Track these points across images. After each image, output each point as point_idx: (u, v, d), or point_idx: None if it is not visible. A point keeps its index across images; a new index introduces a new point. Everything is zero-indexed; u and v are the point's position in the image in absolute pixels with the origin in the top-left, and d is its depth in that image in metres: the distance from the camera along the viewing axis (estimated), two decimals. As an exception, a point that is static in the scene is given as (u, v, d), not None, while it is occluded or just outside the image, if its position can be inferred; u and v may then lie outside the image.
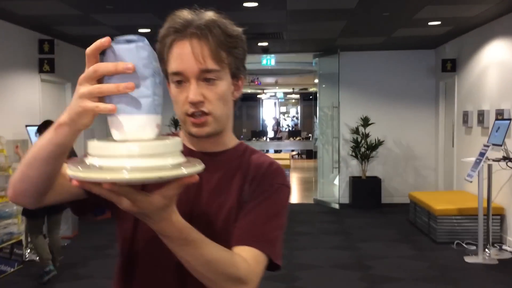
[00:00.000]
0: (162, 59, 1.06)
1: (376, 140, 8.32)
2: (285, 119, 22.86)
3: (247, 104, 20.51)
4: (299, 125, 21.65)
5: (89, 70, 0.79)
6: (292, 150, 17.07)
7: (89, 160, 0.80)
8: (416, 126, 8.68)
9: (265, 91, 20.03)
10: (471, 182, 5.41)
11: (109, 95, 0.80)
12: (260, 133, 16.81)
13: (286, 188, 1.14)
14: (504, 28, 5.99)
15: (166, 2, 5.07)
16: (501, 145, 5.28)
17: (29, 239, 5.61)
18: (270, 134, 19.98)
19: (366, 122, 8.32)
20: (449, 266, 5.14)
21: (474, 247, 5.55)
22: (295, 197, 9.69)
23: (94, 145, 0.80)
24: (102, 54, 0.83)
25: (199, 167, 0.81)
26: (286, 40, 7.60)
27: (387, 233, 6.61)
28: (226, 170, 1.14)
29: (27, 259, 5.44)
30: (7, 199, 5.30)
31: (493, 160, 5.36)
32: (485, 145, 5.36)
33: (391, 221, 7.35)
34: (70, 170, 0.76)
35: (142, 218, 0.84)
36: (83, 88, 0.79)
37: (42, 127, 4.81)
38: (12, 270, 5.07)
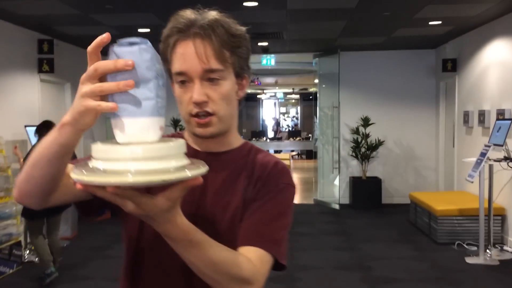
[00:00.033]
0: (166, 59, 1.05)
1: (377, 140, 8.30)
2: (285, 119, 22.84)
3: (247, 104, 20.50)
4: (299, 125, 21.63)
5: (90, 69, 0.79)
6: (292, 151, 17.05)
7: (92, 163, 0.80)
8: (417, 126, 8.66)
9: (265, 91, 20.01)
10: (472, 182, 5.39)
11: (111, 93, 0.80)
12: (260, 133, 16.79)
13: (291, 188, 1.14)
14: (505, 27, 5.97)
15: (166, 2, 5.05)
16: (502, 145, 5.25)
17: (28, 240, 5.59)
18: (270, 134, 19.97)
19: (366, 122, 8.30)
20: (450, 267, 5.12)
21: (475, 248, 5.53)
22: (295, 198, 9.65)
23: (98, 148, 0.80)
24: (105, 55, 0.82)
25: (203, 169, 0.81)
26: (286, 40, 7.59)
27: (387, 234, 6.59)
28: (231, 170, 1.13)
29: (26, 260, 5.42)
30: (6, 199, 5.28)
31: (494, 160, 5.34)
32: (486, 145, 5.34)
33: (391, 221, 7.33)
34: (74, 174, 0.76)
35: (147, 220, 0.84)
36: (85, 87, 0.79)
37: (41, 128, 4.78)
38: (11, 271, 5.05)
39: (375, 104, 8.63)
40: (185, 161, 0.83)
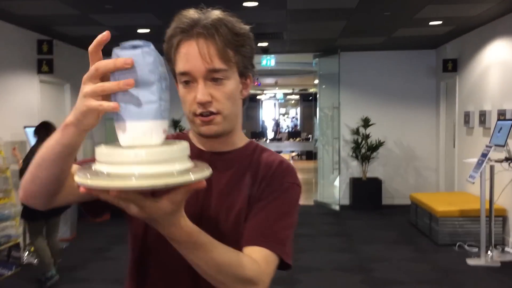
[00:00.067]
0: (169, 59, 1.06)
1: (377, 141, 8.28)
2: (284, 120, 22.83)
3: (247, 105, 20.48)
4: (298, 126, 21.62)
5: (91, 69, 0.80)
6: (292, 151, 17.04)
7: (96, 167, 0.81)
8: (417, 127, 8.64)
9: (264, 92, 19.99)
10: (473, 183, 5.37)
11: (113, 95, 0.81)
12: (259, 134, 16.79)
13: (296, 187, 1.13)
14: (505, 27, 5.95)
15: (166, 2, 5.02)
16: (503, 146, 5.23)
17: (27, 242, 5.57)
18: (270, 135, 19.95)
19: (366, 122, 8.28)
20: (451, 269, 5.10)
21: (476, 249, 5.51)
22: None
23: (101, 152, 0.81)
24: (107, 56, 0.82)
25: (206, 172, 0.81)
26: (286, 40, 7.57)
27: (388, 235, 6.56)
28: (236, 169, 1.13)
29: (25, 262, 5.39)
30: (5, 201, 5.25)
31: (495, 161, 5.32)
32: (487, 146, 5.31)
33: (392, 222, 7.31)
34: (78, 177, 0.77)
35: (151, 223, 0.85)
36: (86, 87, 0.80)
37: (40, 129, 4.75)
38: (9, 273, 5.02)
39: (375, 105, 8.61)
40: (188, 164, 0.83)
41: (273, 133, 20.47)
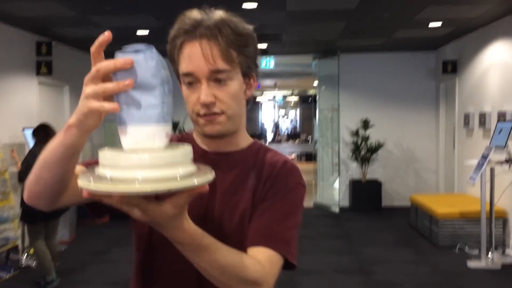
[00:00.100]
0: (173, 60, 1.06)
1: (376, 143, 8.26)
2: (284, 122, 22.81)
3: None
4: (298, 127, 21.60)
5: (92, 70, 0.80)
6: (291, 153, 17.01)
7: (99, 171, 0.81)
8: (417, 129, 8.62)
9: (264, 93, 19.97)
10: (473, 185, 5.35)
11: (113, 94, 0.81)
12: (259, 136, 16.76)
13: (301, 187, 1.13)
14: (505, 29, 5.94)
15: (165, 3, 5.01)
16: (503, 148, 5.21)
17: (26, 245, 5.55)
18: (269, 137, 19.93)
19: (366, 124, 8.26)
20: (451, 271, 5.08)
21: (476, 252, 5.49)
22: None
23: (105, 156, 0.81)
24: (110, 56, 0.82)
25: (209, 176, 0.82)
26: (285, 42, 7.55)
27: (388, 237, 6.54)
28: (240, 170, 1.13)
29: (24, 264, 5.35)
30: (4, 203, 5.22)
31: (496, 163, 5.30)
32: (487, 148, 5.30)
33: (392, 224, 7.29)
34: (81, 181, 0.77)
35: (154, 226, 0.85)
36: (88, 89, 0.80)
37: (38, 131, 4.73)
38: (8, 276, 4.99)
39: (375, 106, 8.60)
40: (191, 168, 0.84)
41: (272, 135, 20.44)
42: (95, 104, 0.79)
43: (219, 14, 1.04)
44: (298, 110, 21.91)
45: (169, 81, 0.86)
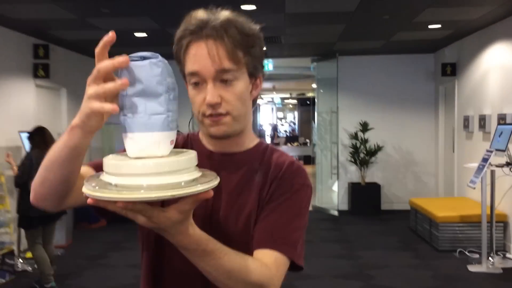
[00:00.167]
0: (179, 61, 1.07)
1: (375, 146, 8.23)
2: (282, 125, 22.79)
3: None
4: (296, 130, 21.58)
5: (94, 70, 0.81)
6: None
7: (104, 177, 0.82)
8: (416, 131, 8.59)
9: (262, 96, 19.96)
10: (474, 188, 5.31)
11: (113, 94, 0.82)
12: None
13: (307, 188, 1.13)
14: (505, 31, 5.91)
15: (163, 5, 4.97)
16: (504, 151, 5.18)
17: (22, 249, 5.49)
18: (268, 140, 19.89)
19: (365, 127, 8.23)
20: (452, 275, 5.03)
21: (477, 256, 5.44)
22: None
23: (109, 163, 0.82)
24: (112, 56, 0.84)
25: (214, 182, 0.82)
26: (284, 44, 7.52)
27: (387, 241, 6.49)
28: (245, 170, 1.13)
29: (19, 269, 5.29)
30: (0, 207, 5.17)
31: (496, 166, 5.26)
32: (488, 151, 5.26)
33: (391, 228, 7.24)
34: (86, 189, 0.78)
35: (159, 231, 0.86)
36: (90, 89, 0.81)
37: (34, 134, 4.67)
38: (3, 281, 4.94)
39: (373, 109, 8.57)
40: (196, 174, 0.84)
41: (270, 138, 20.41)
42: (97, 105, 0.80)
43: (225, 14, 1.04)
44: (296, 112, 21.89)
45: (175, 88, 0.86)
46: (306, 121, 19.09)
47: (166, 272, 1.12)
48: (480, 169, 5.18)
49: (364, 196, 8.28)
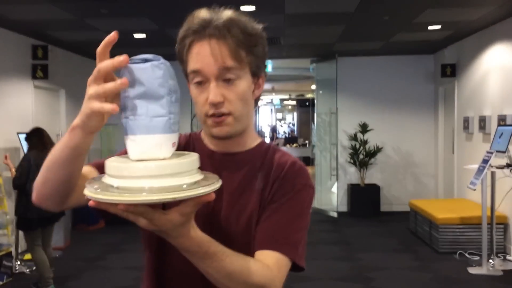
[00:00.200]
0: (182, 60, 1.07)
1: (375, 147, 8.21)
2: (281, 126, 22.77)
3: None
4: (295, 131, 21.55)
5: (94, 70, 0.82)
6: (289, 157, 16.94)
7: (106, 180, 0.82)
8: (415, 132, 8.57)
9: (261, 97, 19.95)
10: (474, 190, 5.29)
11: (113, 94, 0.82)
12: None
13: (309, 188, 1.12)
14: (505, 31, 5.89)
15: (162, 6, 4.95)
16: (504, 152, 5.16)
17: (19, 250, 5.46)
18: (266, 141, 19.87)
19: (364, 128, 8.21)
20: (452, 278, 5.01)
21: (477, 258, 5.42)
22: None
23: (111, 164, 0.82)
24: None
25: (216, 184, 0.82)
26: (283, 45, 7.50)
27: (387, 243, 6.47)
28: (247, 170, 1.12)
29: (17, 271, 5.26)
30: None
31: (497, 167, 5.24)
32: (488, 152, 5.24)
33: (391, 230, 7.22)
34: (87, 191, 0.78)
35: (161, 234, 0.86)
36: (90, 90, 0.82)
37: (31, 135, 4.64)
38: (1, 283, 4.91)
39: (373, 110, 8.55)
40: (198, 176, 0.84)
41: (269, 139, 20.39)
42: (97, 105, 0.80)
43: (228, 13, 1.04)
44: (295, 114, 21.87)
45: (177, 90, 0.87)
46: (305, 122, 19.08)
47: (168, 273, 1.12)
48: (480, 170, 5.16)
49: (363, 197, 8.26)
